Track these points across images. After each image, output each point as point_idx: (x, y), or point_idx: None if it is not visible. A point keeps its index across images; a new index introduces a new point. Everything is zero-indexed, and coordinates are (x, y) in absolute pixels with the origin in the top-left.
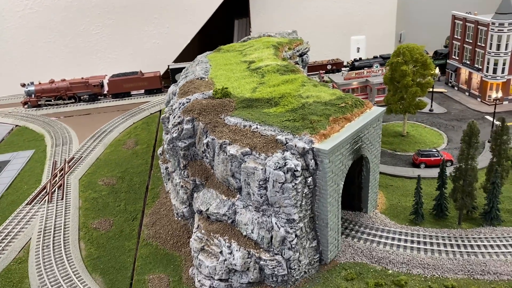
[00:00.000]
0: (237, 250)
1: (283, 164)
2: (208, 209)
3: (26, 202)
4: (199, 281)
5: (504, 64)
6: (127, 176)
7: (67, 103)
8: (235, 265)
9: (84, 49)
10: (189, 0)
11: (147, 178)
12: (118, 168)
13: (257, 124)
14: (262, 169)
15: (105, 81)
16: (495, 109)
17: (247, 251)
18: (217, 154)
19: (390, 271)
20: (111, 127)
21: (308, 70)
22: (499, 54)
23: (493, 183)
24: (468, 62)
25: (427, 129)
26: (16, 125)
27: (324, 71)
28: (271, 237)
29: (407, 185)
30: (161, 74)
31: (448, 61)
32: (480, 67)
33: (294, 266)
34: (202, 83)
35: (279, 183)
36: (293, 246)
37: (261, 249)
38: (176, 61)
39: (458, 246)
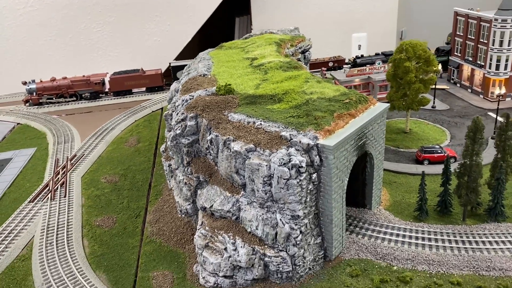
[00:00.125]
0: (241, 247)
1: (288, 160)
2: (212, 205)
3: (28, 199)
4: (203, 277)
5: (507, 60)
6: (129, 174)
7: (69, 101)
8: (240, 262)
9: (85, 47)
10: None
11: (150, 175)
12: (120, 165)
13: (261, 121)
14: (266, 165)
15: (107, 79)
16: (498, 105)
17: (251, 247)
18: (221, 150)
19: (395, 268)
20: (113, 125)
21: (309, 67)
22: (502, 51)
23: (498, 179)
24: (470, 59)
25: (429, 125)
26: (18, 123)
27: (325, 68)
28: (276, 234)
29: (410, 182)
30: (162, 71)
31: (450, 57)
32: (483, 63)
33: (299, 262)
34: (205, 80)
35: (284, 179)
36: (297, 242)
37: (266, 246)
38: (177, 58)
39: (463, 242)
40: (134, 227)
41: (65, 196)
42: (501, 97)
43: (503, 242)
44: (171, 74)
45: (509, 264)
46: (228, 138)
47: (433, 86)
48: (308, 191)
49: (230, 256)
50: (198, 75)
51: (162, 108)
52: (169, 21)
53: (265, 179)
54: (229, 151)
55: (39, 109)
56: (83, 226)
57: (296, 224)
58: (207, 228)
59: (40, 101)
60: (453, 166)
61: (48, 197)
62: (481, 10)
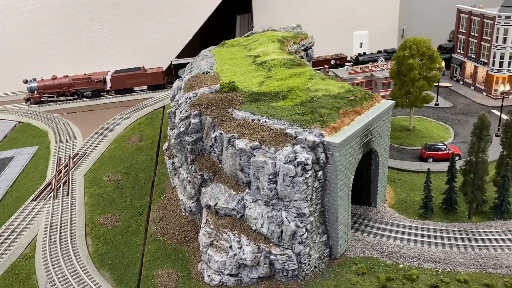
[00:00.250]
0: (246, 245)
1: (293, 157)
2: (216, 203)
3: (31, 198)
4: (208, 276)
5: (510, 57)
6: (132, 172)
7: (70, 99)
8: (245, 260)
9: (86, 45)
10: None
11: (153, 173)
12: (123, 164)
13: (265, 118)
14: (272, 163)
15: (108, 77)
16: (502, 102)
17: (257, 245)
18: (225, 148)
19: (401, 265)
20: (115, 123)
21: (312, 65)
22: (505, 48)
23: (504, 176)
24: (473, 56)
25: (433, 123)
26: (19, 122)
27: (328, 66)
28: (281, 232)
29: (415, 179)
30: (163, 70)
31: (453, 55)
32: (486, 60)
33: (305, 260)
34: (208, 78)
35: (290, 177)
36: (303, 240)
37: (271, 244)
38: (178, 57)
39: (469, 240)
40: (137, 225)
41: (67, 195)
42: (505, 94)
43: (509, 239)
44: (173, 72)
45: None
46: (233, 135)
47: (436, 84)
48: (314, 188)
49: (235, 254)
50: (201, 72)
51: (164, 106)
52: (170, 19)
53: (270, 177)
54: (233, 148)
55: (41, 107)
56: (86, 224)
57: (301, 222)
58: (211, 226)
59: (42, 99)
60: (458, 164)
61: (50, 196)
62: (484, 7)
